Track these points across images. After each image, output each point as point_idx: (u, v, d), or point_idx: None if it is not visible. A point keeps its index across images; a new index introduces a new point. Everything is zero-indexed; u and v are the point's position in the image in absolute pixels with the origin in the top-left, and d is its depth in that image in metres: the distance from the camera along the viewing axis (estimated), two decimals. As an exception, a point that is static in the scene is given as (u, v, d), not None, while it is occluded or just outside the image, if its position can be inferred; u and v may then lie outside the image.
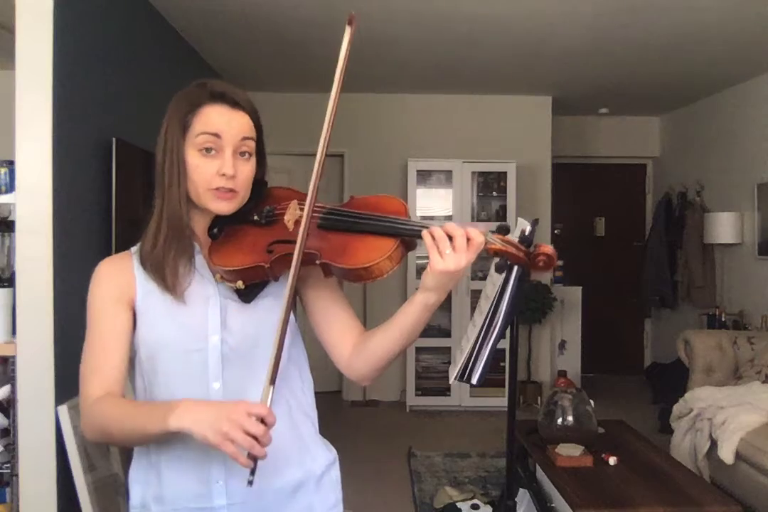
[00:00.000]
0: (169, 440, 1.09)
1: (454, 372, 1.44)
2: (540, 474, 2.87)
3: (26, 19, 2.28)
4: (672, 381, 4.64)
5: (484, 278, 4.71)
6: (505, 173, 5.27)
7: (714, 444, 3.30)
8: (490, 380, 4.90)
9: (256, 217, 1.14)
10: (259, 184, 1.18)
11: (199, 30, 3.89)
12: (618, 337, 6.50)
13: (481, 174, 5.40)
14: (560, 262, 5.73)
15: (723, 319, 4.76)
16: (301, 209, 1.09)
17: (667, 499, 2.34)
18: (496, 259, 1.05)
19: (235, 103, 1.13)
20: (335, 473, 1.29)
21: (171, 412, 0.97)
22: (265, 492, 1.13)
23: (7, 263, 2.45)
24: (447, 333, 5.29)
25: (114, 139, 2.78)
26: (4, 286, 2.32)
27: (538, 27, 3.82)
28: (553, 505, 2.68)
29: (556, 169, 5.81)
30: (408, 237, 1.07)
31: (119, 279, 1.14)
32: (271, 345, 1.04)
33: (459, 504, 3.14)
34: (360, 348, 1.17)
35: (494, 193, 5.44)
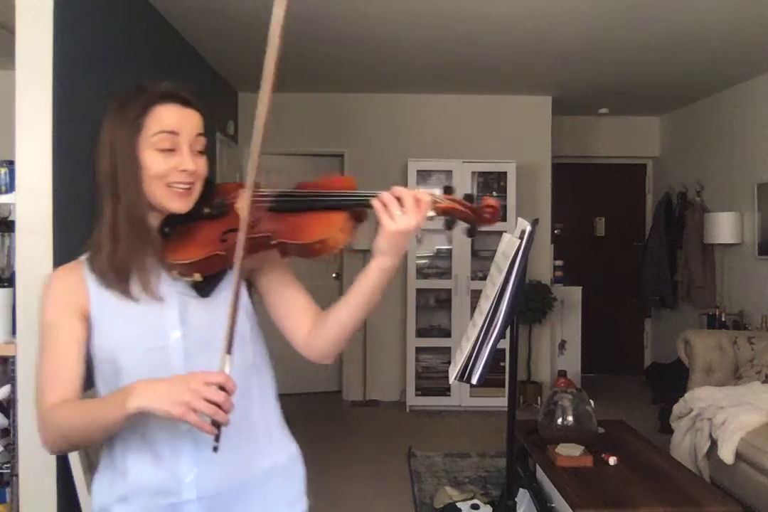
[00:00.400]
0: (131, 443, 1.12)
1: (454, 372, 1.44)
2: (540, 474, 2.87)
3: (26, 19, 2.28)
4: (672, 381, 4.64)
5: (484, 278, 4.71)
6: (505, 173, 5.27)
7: (714, 444, 3.30)
8: (490, 380, 4.89)
9: (207, 210, 1.17)
10: (206, 181, 1.20)
11: (199, 30, 3.89)
12: (618, 337, 6.50)
13: (481, 174, 5.40)
14: (560, 262, 5.74)
15: (723, 319, 4.76)
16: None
17: (667, 499, 2.34)
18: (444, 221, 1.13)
19: (186, 101, 1.15)
20: (300, 466, 1.30)
21: (128, 395, 0.97)
22: (235, 483, 1.15)
23: (7, 263, 2.45)
24: (447, 333, 5.29)
25: (114, 139, 2.78)
26: (4, 286, 2.32)
27: (538, 27, 3.82)
28: (553, 505, 2.68)
29: (556, 169, 5.81)
30: (356, 207, 1.11)
31: (71, 291, 1.13)
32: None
33: (459, 504, 3.14)
34: (319, 325, 1.19)
35: (494, 193, 5.44)
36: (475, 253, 5.32)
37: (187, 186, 1.13)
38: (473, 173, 5.33)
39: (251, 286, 1.24)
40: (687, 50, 4.19)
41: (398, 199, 1.05)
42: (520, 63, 4.60)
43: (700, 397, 3.61)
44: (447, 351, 5.26)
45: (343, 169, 5.60)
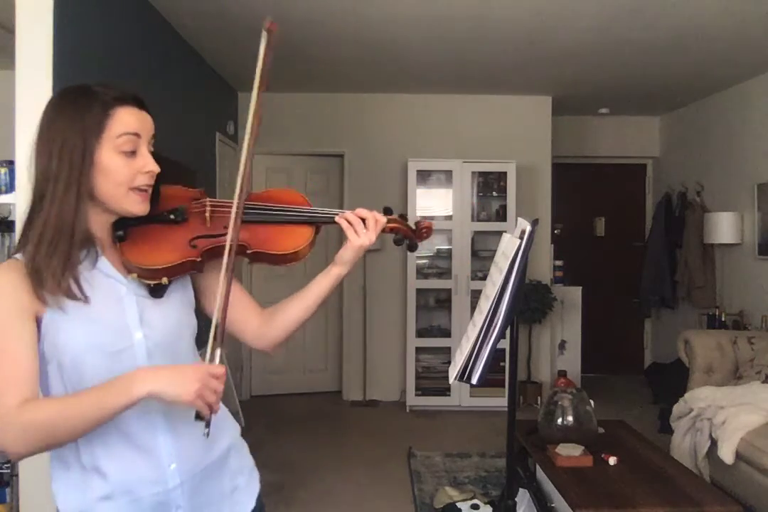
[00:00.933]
0: (105, 439, 1.12)
1: (454, 372, 1.44)
2: (540, 474, 2.87)
3: (26, 19, 2.29)
4: (672, 381, 4.64)
5: (484, 278, 4.71)
6: (505, 173, 5.27)
7: (714, 444, 3.30)
8: (490, 380, 4.90)
9: (172, 216, 1.21)
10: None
11: (199, 30, 3.89)
12: (618, 337, 6.50)
13: (481, 174, 5.40)
14: (560, 262, 5.74)
15: (723, 319, 4.76)
16: (211, 205, 1.23)
17: (667, 499, 2.35)
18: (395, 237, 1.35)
19: (141, 104, 1.16)
20: (244, 441, 1.38)
21: (132, 382, 1.01)
22: (206, 463, 1.22)
23: (7, 263, 2.44)
24: (447, 333, 5.29)
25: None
26: (4, 286, 2.32)
27: (538, 27, 3.82)
28: (553, 505, 2.68)
29: (556, 169, 5.81)
30: (323, 224, 1.28)
31: (17, 291, 1.07)
32: (187, 336, 1.22)
33: (459, 504, 3.14)
34: (272, 319, 1.32)
35: (494, 193, 5.45)
36: (475, 253, 5.32)
37: (148, 188, 1.15)
38: (473, 173, 5.33)
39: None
40: (687, 50, 4.19)
41: (362, 219, 1.26)
42: (520, 63, 4.60)
43: (700, 397, 3.61)
44: (447, 351, 5.26)
45: (343, 169, 5.61)
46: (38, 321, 1.09)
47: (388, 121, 5.55)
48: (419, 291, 5.28)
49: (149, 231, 1.19)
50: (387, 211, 1.31)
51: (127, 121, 1.11)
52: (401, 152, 5.44)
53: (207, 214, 1.22)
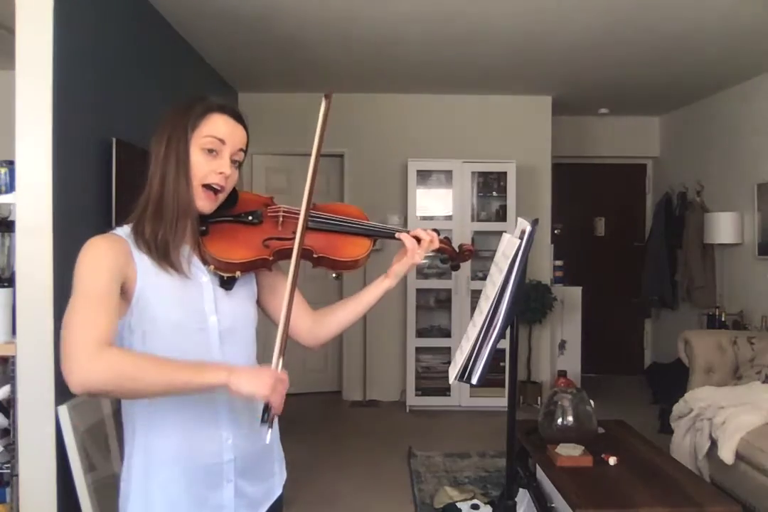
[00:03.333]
0: (176, 406, 1.23)
1: (454, 372, 1.44)
2: (540, 474, 2.87)
3: (26, 19, 2.29)
4: (672, 381, 4.64)
5: (484, 278, 4.71)
6: (505, 173, 5.27)
7: (714, 444, 3.30)
8: (490, 380, 4.90)
9: (250, 218, 1.34)
10: (233, 190, 1.34)
11: (200, 30, 3.89)
12: (618, 337, 6.50)
13: (481, 174, 5.40)
14: (560, 262, 5.74)
15: (723, 319, 4.76)
16: (284, 211, 1.37)
17: (667, 499, 2.34)
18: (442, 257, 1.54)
19: (238, 117, 1.31)
20: None
21: (220, 370, 1.12)
22: (257, 446, 1.30)
23: (7, 263, 2.45)
24: (447, 333, 5.29)
25: (114, 139, 2.79)
26: (4, 286, 2.32)
27: (538, 27, 3.82)
28: (553, 505, 2.68)
29: (556, 169, 5.81)
30: (383, 238, 1.43)
31: (120, 259, 1.19)
32: (250, 326, 1.36)
33: (459, 504, 3.14)
34: (323, 321, 1.46)
35: (494, 193, 5.45)
36: (475, 253, 5.31)
37: (219, 188, 1.26)
38: (473, 173, 5.33)
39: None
40: (687, 50, 4.19)
41: (416, 238, 1.41)
42: (520, 63, 4.60)
43: (700, 397, 3.61)
44: (447, 351, 5.26)
45: (343, 169, 5.60)
46: (127, 294, 1.20)
47: (388, 121, 5.55)
48: (419, 291, 5.28)
49: (228, 229, 1.32)
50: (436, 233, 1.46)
51: (217, 126, 1.26)
52: (401, 152, 5.44)
53: (280, 219, 1.36)
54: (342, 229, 1.40)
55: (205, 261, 1.29)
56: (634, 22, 3.67)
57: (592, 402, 2.87)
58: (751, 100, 4.86)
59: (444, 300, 5.37)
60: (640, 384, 5.91)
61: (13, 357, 2.28)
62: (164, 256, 1.22)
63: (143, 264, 1.22)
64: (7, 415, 2.32)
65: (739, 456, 3.13)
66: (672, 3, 3.40)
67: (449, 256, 1.51)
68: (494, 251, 1.70)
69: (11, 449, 2.30)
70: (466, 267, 5.22)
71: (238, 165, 1.31)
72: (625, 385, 6.04)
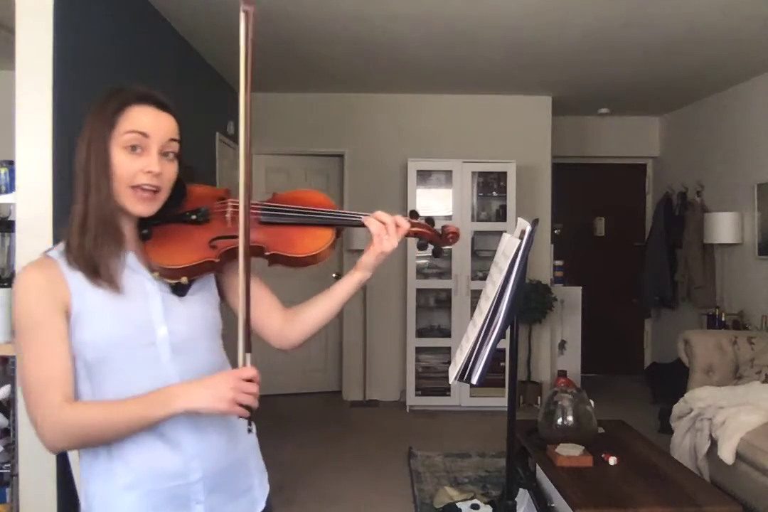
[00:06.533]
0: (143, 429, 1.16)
1: (454, 372, 1.44)
2: (540, 474, 2.87)
3: (26, 19, 2.28)
4: (672, 381, 4.64)
5: (484, 278, 4.71)
6: (505, 173, 5.27)
7: (714, 444, 3.30)
8: (490, 380, 4.89)
9: (194, 217, 1.22)
10: (178, 185, 1.22)
11: (200, 30, 3.89)
12: (618, 337, 6.50)
13: (481, 174, 5.40)
14: (560, 262, 5.74)
15: (723, 319, 4.76)
16: (233, 206, 1.21)
17: (667, 499, 2.34)
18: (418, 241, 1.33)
19: (161, 105, 1.17)
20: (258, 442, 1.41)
21: (171, 397, 1.07)
22: (228, 461, 1.24)
23: (7, 263, 2.45)
24: (447, 333, 5.29)
25: (114, 139, 2.78)
26: (4, 286, 2.32)
27: (538, 27, 3.82)
28: (553, 505, 2.68)
29: (556, 169, 5.81)
30: (347, 226, 1.28)
31: (51, 288, 1.11)
32: (211, 333, 1.26)
33: (459, 504, 3.14)
34: (293, 320, 1.34)
35: (494, 193, 5.44)
36: (475, 253, 5.32)
37: (152, 188, 1.14)
38: (473, 173, 5.32)
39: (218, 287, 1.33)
40: (687, 50, 4.19)
41: (382, 223, 1.25)
42: (520, 63, 4.60)
43: (700, 397, 3.61)
44: (447, 351, 5.26)
45: (343, 169, 5.60)
46: (69, 319, 1.12)
47: (388, 121, 5.55)
48: (419, 291, 5.28)
49: (173, 230, 1.20)
50: (413, 215, 1.30)
51: (137, 120, 1.13)
52: (401, 152, 5.44)
53: (228, 215, 1.22)
54: (299, 220, 1.24)
55: (150, 269, 1.18)
56: (634, 21, 3.67)
57: (592, 402, 2.87)
58: (751, 100, 4.86)
59: (444, 300, 5.37)
60: (640, 384, 5.91)
61: (13, 357, 2.27)
62: (93, 271, 1.12)
63: (76, 282, 1.12)
64: (7, 415, 2.32)
65: (739, 456, 3.13)
66: (672, 3, 3.40)
67: (429, 240, 1.32)
68: (494, 251, 1.70)
69: (11, 449, 2.30)
70: (466, 267, 5.23)
71: (173, 157, 1.18)
72: (625, 385, 6.04)
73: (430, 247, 1.32)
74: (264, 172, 5.52)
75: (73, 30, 2.50)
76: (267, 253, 1.21)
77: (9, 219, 2.43)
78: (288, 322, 1.34)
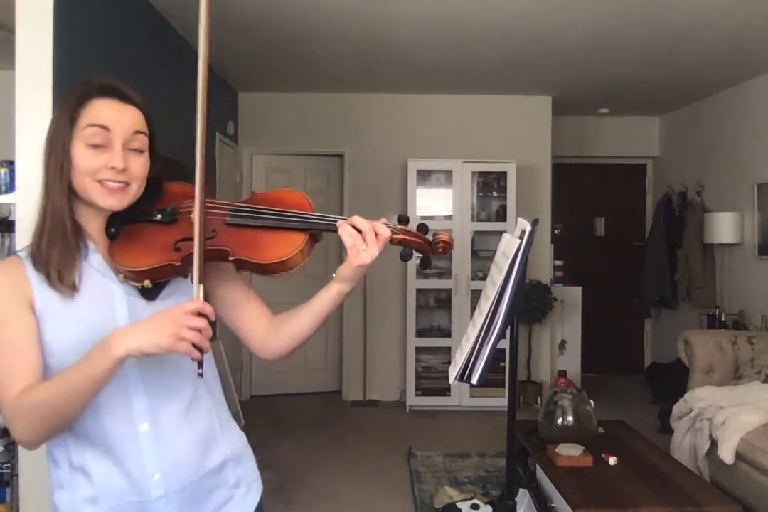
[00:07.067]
0: (92, 441, 1.10)
1: (454, 372, 1.44)
2: (540, 474, 2.87)
3: (26, 19, 2.28)
4: (672, 381, 4.64)
5: (484, 278, 4.71)
6: (505, 173, 5.27)
7: (714, 444, 3.30)
8: (490, 380, 4.89)
9: (159, 216, 1.14)
10: (153, 181, 1.17)
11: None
12: (618, 337, 6.50)
13: (481, 174, 5.40)
14: (560, 262, 5.74)
15: (723, 319, 4.76)
16: (206, 206, 1.11)
17: (667, 499, 2.34)
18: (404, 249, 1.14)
19: (124, 97, 1.12)
20: (250, 450, 1.33)
21: (109, 345, 0.97)
22: (197, 475, 1.17)
23: (7, 263, 2.44)
24: (447, 333, 5.29)
25: (114, 139, 2.78)
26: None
27: (538, 27, 3.82)
28: (553, 505, 2.68)
29: (556, 169, 5.81)
30: (319, 231, 1.14)
31: (14, 285, 1.08)
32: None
33: (459, 504, 3.14)
34: (276, 331, 1.24)
35: (494, 193, 5.44)
36: (475, 253, 5.32)
37: (119, 184, 1.09)
38: (473, 173, 5.32)
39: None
40: (687, 50, 4.19)
41: (359, 231, 1.09)
42: (520, 63, 4.60)
43: (700, 397, 3.61)
44: (447, 351, 5.26)
45: (343, 169, 5.60)
46: (35, 315, 1.09)
47: (388, 121, 5.55)
48: (419, 291, 5.28)
49: (139, 230, 1.14)
50: (401, 220, 1.15)
51: (98, 113, 1.08)
52: (401, 152, 5.44)
53: (193, 215, 1.12)
54: (268, 223, 1.12)
55: (116, 271, 1.12)
56: (634, 21, 3.67)
57: (592, 402, 2.87)
58: (751, 100, 4.86)
59: (444, 300, 5.37)
60: (640, 384, 5.91)
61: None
62: (47, 274, 1.07)
63: (38, 284, 1.08)
64: (7, 415, 2.32)
65: (739, 456, 3.13)
66: (672, 3, 3.40)
67: (417, 249, 1.15)
68: (494, 251, 1.69)
69: (11, 449, 2.31)
70: (466, 267, 5.23)
71: (141, 151, 1.12)
72: (625, 385, 6.04)
73: (417, 256, 1.16)
74: (264, 172, 5.52)
75: (73, 30, 2.50)
76: (231, 258, 1.11)
77: (9, 219, 2.44)
78: (272, 332, 1.25)
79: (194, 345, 0.97)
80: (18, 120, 2.28)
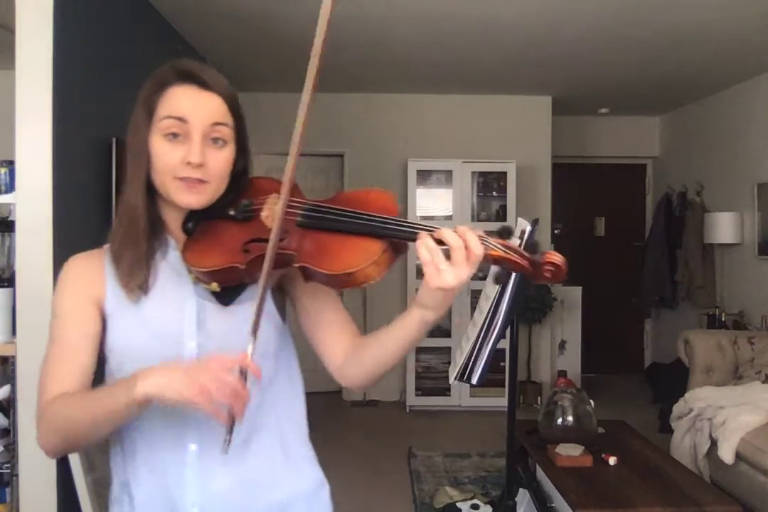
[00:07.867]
0: (141, 462, 1.05)
1: (454, 373, 1.44)
2: (540, 474, 2.87)
3: (26, 19, 2.28)
4: (672, 381, 4.63)
5: (484, 278, 4.70)
6: (505, 173, 5.27)
7: (714, 444, 3.30)
8: (490, 380, 4.90)
9: (232, 212, 1.03)
10: (239, 176, 1.07)
11: (200, 30, 3.89)
12: (618, 337, 6.50)
13: (481, 174, 5.40)
14: (560, 263, 5.73)
15: (723, 319, 4.76)
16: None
17: (667, 499, 2.34)
18: (495, 267, 0.93)
19: (204, 84, 1.00)
20: (326, 496, 1.20)
21: (138, 379, 0.87)
22: (243, 508, 1.05)
23: (7, 263, 2.45)
24: (447, 333, 5.28)
25: (114, 139, 2.79)
26: (4, 286, 2.32)
27: (538, 27, 3.82)
28: (553, 505, 2.68)
29: (556, 169, 5.81)
30: (399, 239, 0.93)
31: (89, 278, 1.04)
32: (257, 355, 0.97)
33: (459, 504, 3.14)
34: (353, 358, 1.07)
35: (494, 193, 5.44)
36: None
37: (195, 180, 1.00)
38: (473, 173, 5.33)
39: (286, 294, 1.13)
40: (687, 50, 4.19)
41: (440, 243, 0.88)
42: (520, 63, 4.60)
43: (700, 397, 3.61)
44: (447, 351, 5.25)
45: (343, 169, 5.60)
46: (103, 314, 1.04)
47: (388, 121, 5.54)
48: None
49: (216, 227, 1.03)
50: (503, 233, 0.93)
51: (175, 102, 0.99)
52: (401, 152, 5.44)
53: (264, 213, 1.01)
54: (342, 226, 0.95)
55: (189, 270, 1.02)
56: (634, 22, 3.67)
57: (592, 402, 2.87)
58: (751, 100, 4.86)
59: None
60: (640, 384, 5.90)
61: (13, 357, 2.27)
62: (118, 274, 1.02)
63: (113, 280, 1.03)
64: (7, 415, 2.32)
65: (739, 456, 3.13)
66: (672, 3, 3.40)
67: (516, 270, 0.91)
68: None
69: (11, 449, 2.30)
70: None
71: (223, 143, 1.02)
72: (625, 385, 6.04)
73: (511, 275, 0.94)
74: (264, 172, 5.45)
75: (73, 30, 2.50)
76: (296, 264, 0.95)
77: (9, 219, 2.44)
78: (352, 355, 1.08)
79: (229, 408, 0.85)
80: (18, 120, 2.28)
